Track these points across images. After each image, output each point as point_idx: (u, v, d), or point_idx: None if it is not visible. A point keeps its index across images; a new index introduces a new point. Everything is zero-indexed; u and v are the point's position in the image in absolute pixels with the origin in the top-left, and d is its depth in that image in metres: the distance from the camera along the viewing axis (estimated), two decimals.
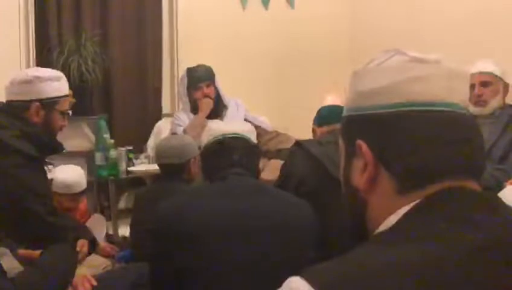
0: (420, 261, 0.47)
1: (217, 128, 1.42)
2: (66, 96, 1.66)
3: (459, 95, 0.57)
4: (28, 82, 1.55)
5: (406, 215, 0.53)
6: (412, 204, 0.54)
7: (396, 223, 0.53)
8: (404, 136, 0.55)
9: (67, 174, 2.07)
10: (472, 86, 2.31)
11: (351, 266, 0.49)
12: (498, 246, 0.48)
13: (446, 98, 0.56)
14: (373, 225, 0.58)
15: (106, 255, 1.97)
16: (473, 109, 2.31)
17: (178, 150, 1.98)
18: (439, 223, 0.50)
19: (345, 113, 0.63)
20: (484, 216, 0.51)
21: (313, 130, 1.85)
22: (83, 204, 2.27)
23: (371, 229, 0.58)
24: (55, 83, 1.60)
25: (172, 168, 1.98)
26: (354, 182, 0.59)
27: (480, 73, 2.30)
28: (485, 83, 2.29)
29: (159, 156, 2.03)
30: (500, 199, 0.56)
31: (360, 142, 0.57)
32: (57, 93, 1.60)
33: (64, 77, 1.66)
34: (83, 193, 2.17)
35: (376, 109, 0.57)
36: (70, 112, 2.74)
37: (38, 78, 1.56)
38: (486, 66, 2.31)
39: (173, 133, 2.77)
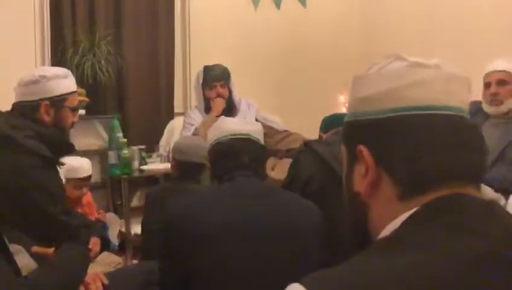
0: (421, 272, 0.47)
1: (224, 126, 1.41)
2: (75, 92, 1.66)
3: (458, 98, 0.57)
4: (35, 82, 1.56)
5: (405, 222, 0.53)
6: (411, 211, 0.53)
7: (397, 230, 0.53)
8: (405, 141, 0.55)
9: (74, 160, 2.08)
10: (488, 85, 2.26)
11: (351, 275, 0.49)
12: (498, 254, 0.48)
13: (446, 102, 0.56)
14: (375, 231, 0.58)
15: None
16: (488, 108, 2.26)
17: (205, 149, 1.94)
18: (438, 232, 0.50)
19: (346, 118, 0.63)
20: (483, 224, 0.50)
21: (320, 137, 1.87)
22: (87, 197, 2.29)
23: (373, 234, 0.58)
24: (62, 81, 1.60)
25: (199, 167, 1.94)
26: (355, 187, 0.59)
27: (497, 71, 2.25)
28: (501, 81, 2.23)
29: (187, 153, 1.97)
30: (498, 205, 0.55)
31: (361, 147, 0.58)
32: (65, 90, 1.60)
33: (70, 73, 1.66)
34: (88, 179, 2.18)
35: (377, 114, 0.57)
36: (84, 111, 2.82)
37: (45, 77, 1.56)
38: (502, 64, 2.25)
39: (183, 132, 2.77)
